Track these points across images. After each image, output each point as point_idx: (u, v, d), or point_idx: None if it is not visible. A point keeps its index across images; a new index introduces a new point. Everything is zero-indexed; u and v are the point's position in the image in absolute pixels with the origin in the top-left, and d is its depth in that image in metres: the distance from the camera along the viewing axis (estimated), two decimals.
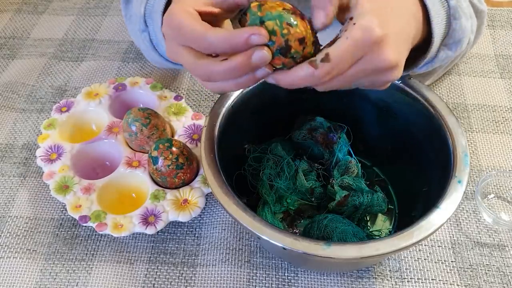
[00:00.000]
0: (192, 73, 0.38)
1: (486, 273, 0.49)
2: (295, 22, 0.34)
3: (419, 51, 0.44)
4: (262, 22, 0.34)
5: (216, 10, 0.38)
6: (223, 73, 0.35)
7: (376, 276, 0.49)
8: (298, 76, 0.35)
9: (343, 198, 0.48)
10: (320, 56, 0.35)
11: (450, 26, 0.46)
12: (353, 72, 0.36)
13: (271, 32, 0.34)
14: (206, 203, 0.51)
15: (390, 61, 0.36)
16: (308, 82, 0.36)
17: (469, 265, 0.49)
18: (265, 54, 0.34)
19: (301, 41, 0.34)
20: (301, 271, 0.49)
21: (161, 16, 0.45)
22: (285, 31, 0.34)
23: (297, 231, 0.51)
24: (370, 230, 0.50)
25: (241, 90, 0.48)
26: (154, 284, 0.48)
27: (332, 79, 0.36)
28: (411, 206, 0.49)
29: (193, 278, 0.49)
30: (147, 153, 0.53)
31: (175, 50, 0.37)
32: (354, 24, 0.35)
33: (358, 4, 0.36)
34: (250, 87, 0.49)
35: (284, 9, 0.34)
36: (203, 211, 0.53)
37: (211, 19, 0.38)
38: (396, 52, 0.36)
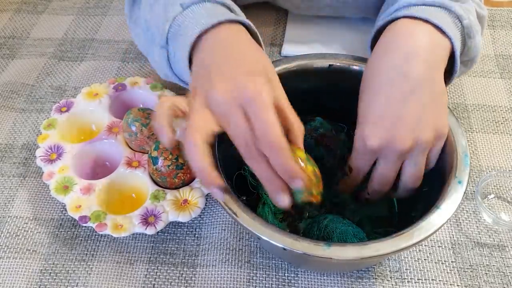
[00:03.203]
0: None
1: (486, 273, 0.49)
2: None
3: None
4: None
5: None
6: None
7: (376, 277, 0.49)
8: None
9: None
10: (347, 169, 0.45)
11: (465, 45, 0.46)
12: (386, 171, 0.43)
13: None
14: (206, 203, 0.51)
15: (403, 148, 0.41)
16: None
17: (469, 265, 0.49)
18: None
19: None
20: (301, 272, 0.49)
21: (189, 50, 0.44)
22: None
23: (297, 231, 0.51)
24: (371, 230, 0.50)
25: None
26: (154, 284, 0.48)
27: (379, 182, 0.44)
28: (411, 206, 0.49)
29: (193, 278, 0.49)
30: (147, 153, 0.53)
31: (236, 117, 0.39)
32: (354, 135, 0.43)
33: (362, 115, 0.43)
34: None
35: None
36: (203, 211, 0.53)
37: None
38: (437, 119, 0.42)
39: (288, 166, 0.37)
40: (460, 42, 0.46)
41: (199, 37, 0.43)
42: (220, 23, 0.42)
